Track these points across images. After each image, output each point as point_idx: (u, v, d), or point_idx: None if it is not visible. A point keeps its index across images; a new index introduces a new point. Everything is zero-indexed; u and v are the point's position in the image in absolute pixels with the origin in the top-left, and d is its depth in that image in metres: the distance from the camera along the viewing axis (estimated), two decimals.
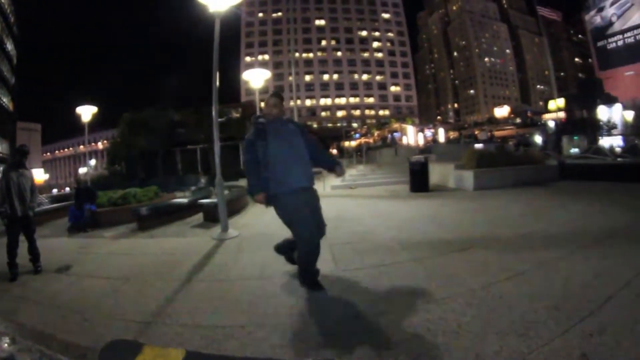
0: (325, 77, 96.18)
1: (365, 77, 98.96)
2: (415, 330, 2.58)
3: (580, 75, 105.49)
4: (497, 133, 52.30)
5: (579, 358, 2.14)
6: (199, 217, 8.68)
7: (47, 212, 10.32)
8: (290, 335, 2.64)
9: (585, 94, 42.29)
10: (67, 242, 7.22)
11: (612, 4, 54.74)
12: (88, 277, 4.45)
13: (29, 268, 4.83)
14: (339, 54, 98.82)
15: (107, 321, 3.07)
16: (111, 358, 1.92)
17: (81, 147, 72.94)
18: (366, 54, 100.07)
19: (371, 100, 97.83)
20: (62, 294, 3.87)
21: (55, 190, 38.83)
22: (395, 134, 39.62)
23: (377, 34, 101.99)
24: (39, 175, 55.99)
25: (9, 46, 47.88)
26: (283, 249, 4.08)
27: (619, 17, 54.25)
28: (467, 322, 2.66)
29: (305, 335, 2.63)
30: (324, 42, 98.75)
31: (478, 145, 21.49)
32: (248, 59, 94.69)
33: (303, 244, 3.46)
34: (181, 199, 10.24)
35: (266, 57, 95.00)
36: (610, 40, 55.16)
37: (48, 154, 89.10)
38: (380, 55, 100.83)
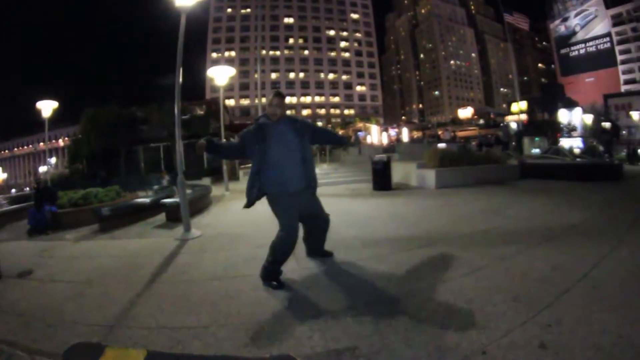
0: (292, 75, 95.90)
1: (331, 76, 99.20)
2: (376, 327, 2.67)
3: (542, 80, 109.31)
4: (461, 133, 53.35)
5: (537, 347, 2.27)
6: (161, 217, 8.59)
7: (5, 213, 9.98)
8: (253, 334, 2.70)
9: (547, 98, 43.89)
10: (27, 245, 7.01)
11: (576, 15, 57.08)
12: (50, 281, 4.35)
13: None
14: (306, 52, 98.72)
15: (71, 326, 3.04)
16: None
17: (41, 144, 70.13)
18: (333, 54, 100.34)
19: (336, 99, 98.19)
20: (24, 300, 3.78)
21: (14, 191, 37.30)
22: (359, 133, 39.88)
23: (345, 33, 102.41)
24: None
25: None
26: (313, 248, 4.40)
27: (582, 27, 56.64)
28: (426, 316, 2.79)
29: (267, 334, 2.70)
30: (291, 40, 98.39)
31: (441, 145, 21.92)
32: (214, 55, 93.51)
33: (283, 239, 3.63)
34: (143, 198, 10.06)
35: (233, 53, 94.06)
36: (572, 48, 57.50)
37: (6, 151, 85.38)
38: (347, 55, 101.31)
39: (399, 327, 2.65)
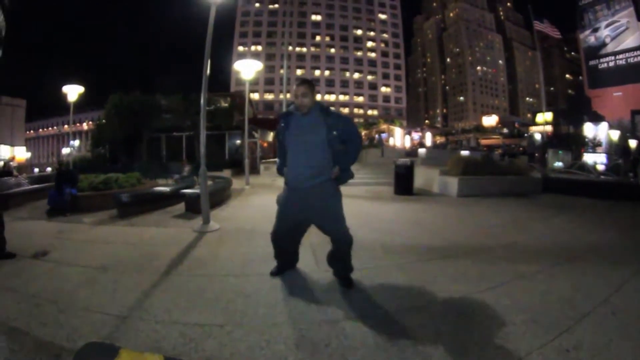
0: (317, 72, 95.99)
1: (356, 75, 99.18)
2: (393, 338, 2.58)
3: (569, 91, 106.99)
4: (484, 141, 52.84)
5: None
6: (180, 207, 8.54)
7: (25, 193, 10.06)
8: (268, 336, 2.62)
9: (574, 110, 42.90)
10: (45, 225, 7.01)
11: (607, 26, 55.32)
12: (65, 264, 4.33)
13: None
14: (332, 50, 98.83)
15: (83, 313, 3.00)
16: None
17: (66, 126, 71.36)
18: (359, 53, 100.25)
19: (361, 99, 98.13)
20: (38, 281, 3.76)
21: (36, 170, 38.01)
22: (382, 134, 39.70)
23: (372, 33, 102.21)
24: (21, 154, 54.78)
25: None
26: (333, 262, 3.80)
27: (612, 38, 54.85)
28: (445, 331, 2.69)
29: (283, 337, 2.62)
30: (318, 38, 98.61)
31: (464, 152, 21.63)
32: (241, 48, 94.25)
33: (272, 232, 3.69)
34: (164, 187, 10.05)
35: (259, 48, 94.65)
36: (602, 60, 55.75)
37: (31, 131, 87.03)
38: (373, 55, 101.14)
39: (418, 341, 2.55)
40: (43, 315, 2.96)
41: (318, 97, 3.53)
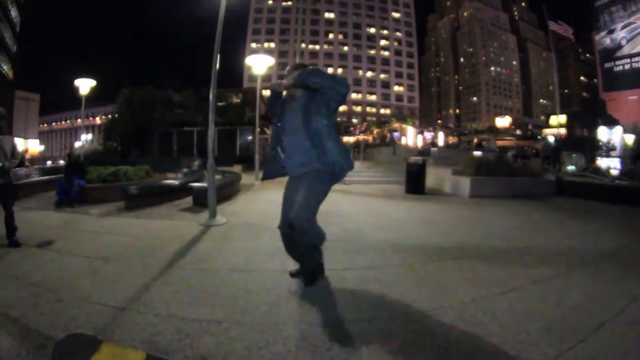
0: (330, 70, 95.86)
1: (369, 74, 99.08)
2: (401, 343, 2.46)
3: (584, 94, 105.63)
4: (497, 142, 52.28)
5: None
6: (188, 200, 8.54)
7: (35, 184, 10.11)
8: (268, 336, 2.51)
9: (588, 113, 42.36)
10: (52, 216, 7.06)
11: (623, 27, 54.20)
12: (68, 254, 4.31)
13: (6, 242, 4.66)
14: (346, 48, 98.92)
15: (81, 303, 2.95)
16: (67, 352, 1.79)
17: (78, 120, 72.32)
18: (372, 51, 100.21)
19: (373, 97, 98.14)
20: (40, 270, 3.74)
21: (49, 162, 38.44)
22: (394, 133, 39.48)
23: (385, 32, 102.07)
24: (35, 146, 55.61)
25: (13, 13, 46.78)
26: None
27: (628, 40, 53.72)
28: (456, 338, 2.55)
29: (282, 338, 2.50)
30: (331, 36, 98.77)
31: (477, 153, 21.37)
32: (254, 45, 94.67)
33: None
34: (172, 180, 10.07)
35: (272, 45, 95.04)
36: (617, 62, 54.59)
37: (45, 125, 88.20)
38: (386, 53, 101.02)
39: (427, 349, 2.42)
40: (41, 304, 2.93)
41: None
